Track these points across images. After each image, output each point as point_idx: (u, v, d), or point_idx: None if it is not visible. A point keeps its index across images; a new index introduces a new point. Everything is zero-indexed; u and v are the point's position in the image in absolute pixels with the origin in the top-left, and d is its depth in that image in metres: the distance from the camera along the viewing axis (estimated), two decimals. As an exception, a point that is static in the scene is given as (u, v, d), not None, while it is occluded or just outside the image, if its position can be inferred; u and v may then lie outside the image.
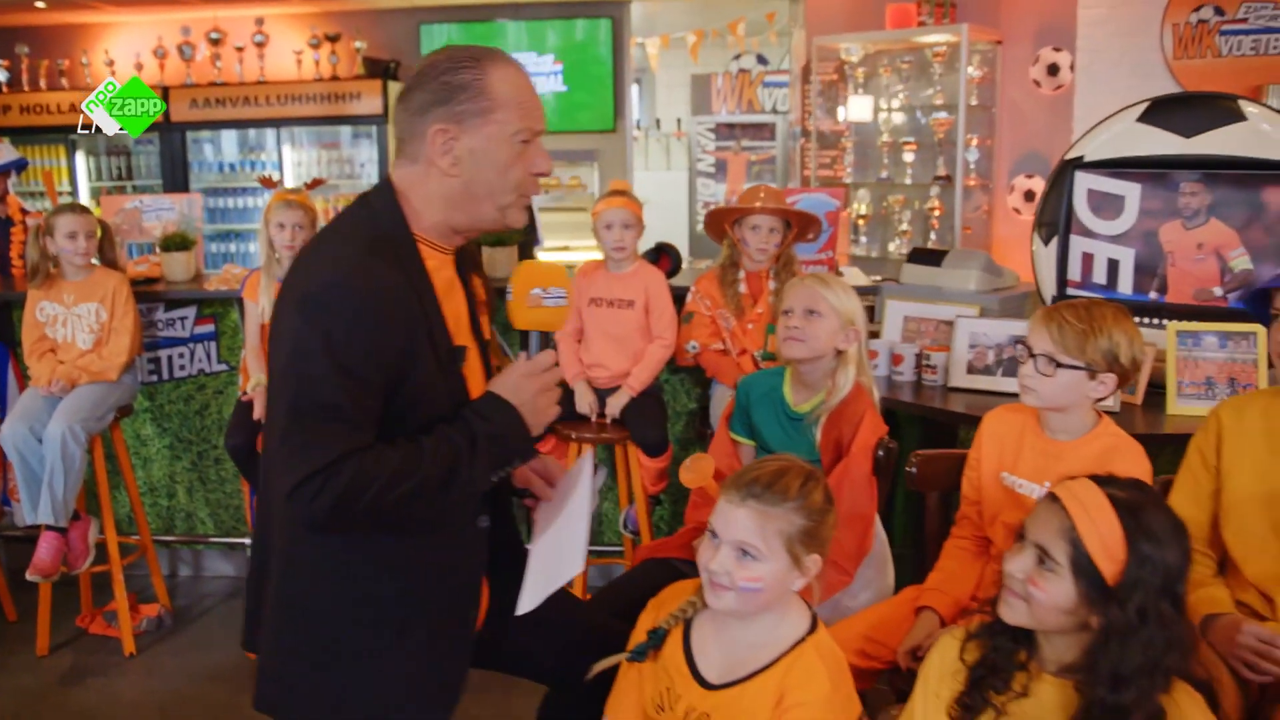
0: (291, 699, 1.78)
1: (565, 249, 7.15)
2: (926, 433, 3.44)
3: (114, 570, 3.73)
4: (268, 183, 4.03)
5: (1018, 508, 2.21)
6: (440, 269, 1.79)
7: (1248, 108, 3.17)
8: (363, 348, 1.59)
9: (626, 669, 1.83)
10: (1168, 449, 2.78)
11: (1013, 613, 1.55)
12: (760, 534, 1.65)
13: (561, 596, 1.96)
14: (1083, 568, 1.48)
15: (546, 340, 1.88)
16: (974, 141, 5.33)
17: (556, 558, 1.84)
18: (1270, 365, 2.89)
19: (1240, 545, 2.05)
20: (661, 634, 1.77)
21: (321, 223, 3.03)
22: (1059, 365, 2.11)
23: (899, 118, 5.60)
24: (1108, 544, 1.47)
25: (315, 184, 3.79)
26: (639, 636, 1.80)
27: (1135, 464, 2.11)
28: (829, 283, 2.53)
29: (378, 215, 1.75)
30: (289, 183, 7.30)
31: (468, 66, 1.70)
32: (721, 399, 3.36)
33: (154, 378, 4.26)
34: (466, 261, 1.91)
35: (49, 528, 3.51)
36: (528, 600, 1.78)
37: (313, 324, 1.59)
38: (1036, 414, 2.26)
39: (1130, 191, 3.32)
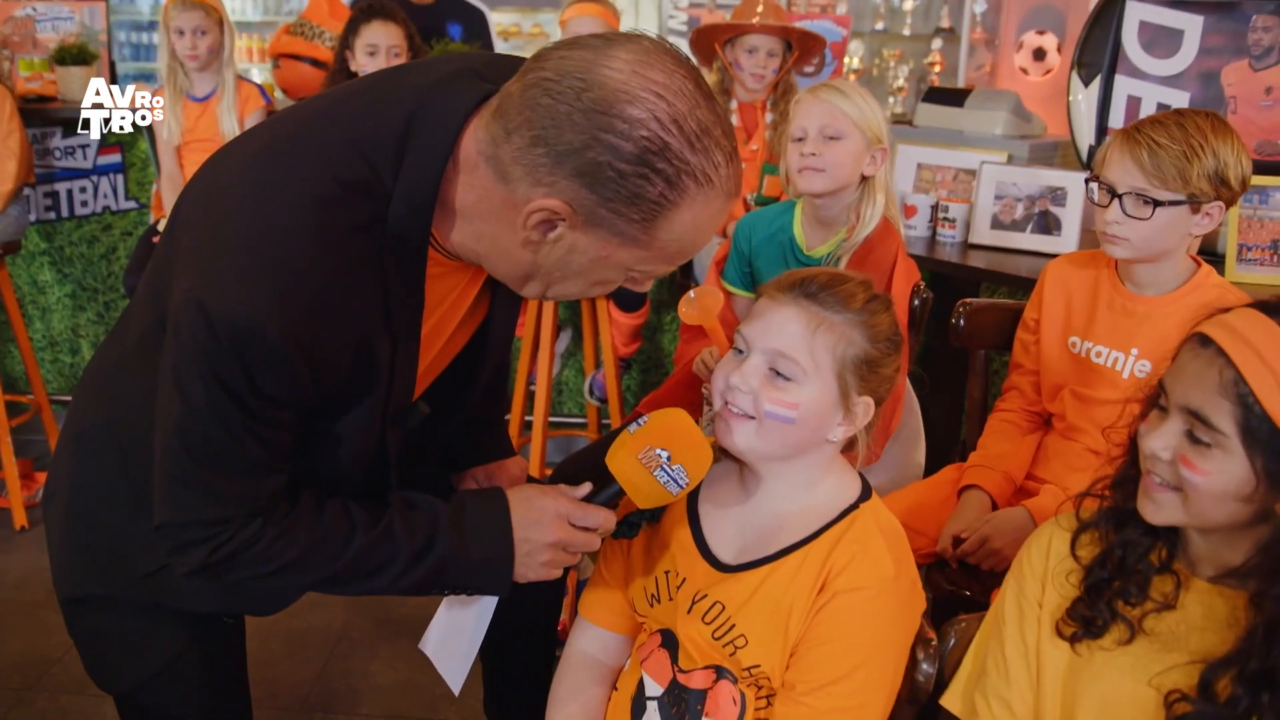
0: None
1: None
2: (941, 295, 3.02)
3: (0, 434, 3.27)
4: None
5: (1091, 378, 1.80)
6: (443, 276, 1.25)
7: (1340, -75, 2.71)
8: (280, 399, 1.13)
9: (610, 550, 1.41)
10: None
11: (1159, 509, 1.10)
12: (807, 345, 1.22)
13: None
14: (1260, 435, 1.03)
15: (620, 503, 1.32)
16: (982, -10, 4.83)
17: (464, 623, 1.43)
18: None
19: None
20: None
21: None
22: (1156, 204, 1.68)
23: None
24: None
25: None
26: (629, 507, 1.37)
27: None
28: (848, 93, 2.05)
29: (392, 180, 1.13)
30: (238, 17, 6.58)
31: (665, 177, 1.05)
32: (706, 249, 2.91)
33: (51, 215, 3.72)
34: None
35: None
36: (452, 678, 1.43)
37: (215, 353, 1.08)
38: (1114, 264, 1.83)
39: (1191, 25, 2.86)
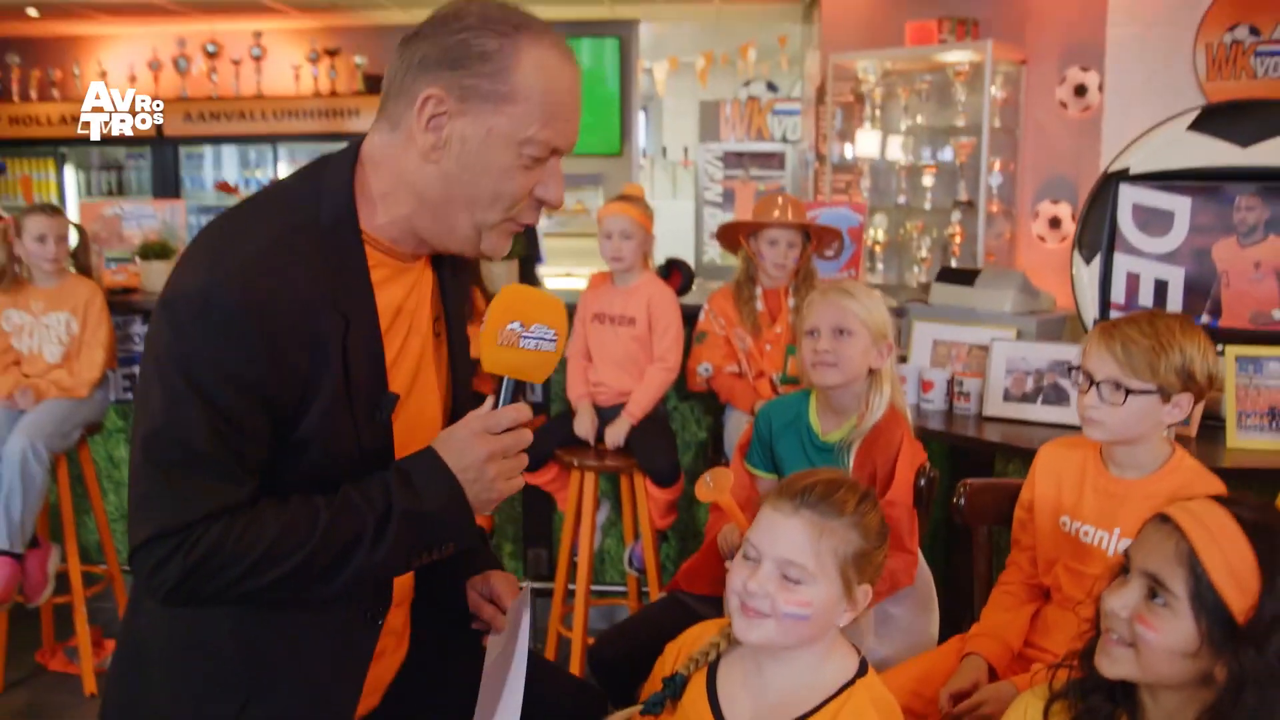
0: None
1: (568, 275, 6.90)
2: (958, 466, 3.17)
3: (76, 602, 3.44)
4: (227, 189, 3.85)
5: (1082, 555, 1.95)
6: (393, 279, 1.41)
7: (1311, 117, 2.94)
8: (242, 379, 1.25)
9: (639, 728, 1.56)
10: (1229, 486, 2.52)
11: (1114, 664, 1.28)
12: (813, 551, 1.41)
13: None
14: (1206, 602, 1.22)
15: (522, 392, 1.43)
16: (996, 165, 5.08)
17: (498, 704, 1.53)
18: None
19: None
20: (681, 680, 1.51)
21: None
22: (1128, 391, 1.86)
23: (917, 140, 5.35)
24: (1237, 572, 1.21)
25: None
26: (654, 686, 1.53)
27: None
28: (855, 293, 2.26)
29: (317, 194, 1.35)
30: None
31: (499, 32, 1.31)
32: (737, 426, 3.10)
33: (129, 395, 3.99)
34: (454, 273, 1.56)
35: (3, 553, 3.22)
36: None
37: (179, 341, 1.24)
38: (1099, 447, 2.00)
39: (1180, 206, 3.08)
